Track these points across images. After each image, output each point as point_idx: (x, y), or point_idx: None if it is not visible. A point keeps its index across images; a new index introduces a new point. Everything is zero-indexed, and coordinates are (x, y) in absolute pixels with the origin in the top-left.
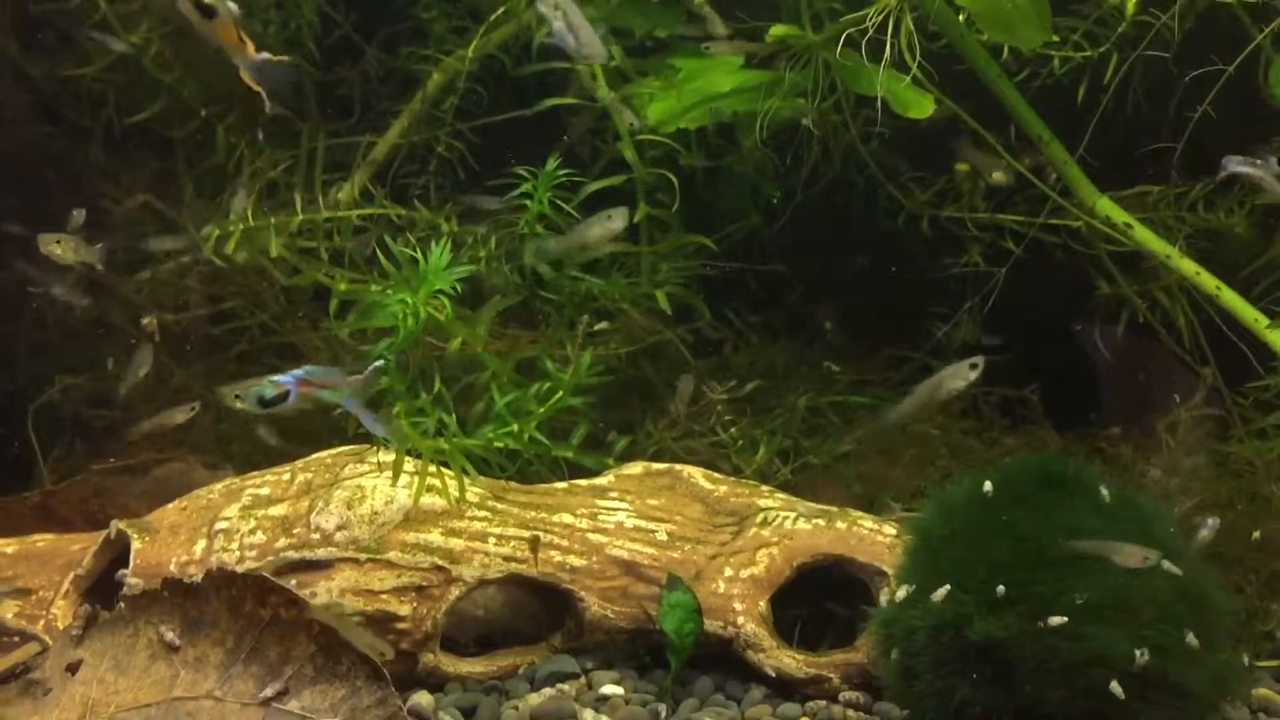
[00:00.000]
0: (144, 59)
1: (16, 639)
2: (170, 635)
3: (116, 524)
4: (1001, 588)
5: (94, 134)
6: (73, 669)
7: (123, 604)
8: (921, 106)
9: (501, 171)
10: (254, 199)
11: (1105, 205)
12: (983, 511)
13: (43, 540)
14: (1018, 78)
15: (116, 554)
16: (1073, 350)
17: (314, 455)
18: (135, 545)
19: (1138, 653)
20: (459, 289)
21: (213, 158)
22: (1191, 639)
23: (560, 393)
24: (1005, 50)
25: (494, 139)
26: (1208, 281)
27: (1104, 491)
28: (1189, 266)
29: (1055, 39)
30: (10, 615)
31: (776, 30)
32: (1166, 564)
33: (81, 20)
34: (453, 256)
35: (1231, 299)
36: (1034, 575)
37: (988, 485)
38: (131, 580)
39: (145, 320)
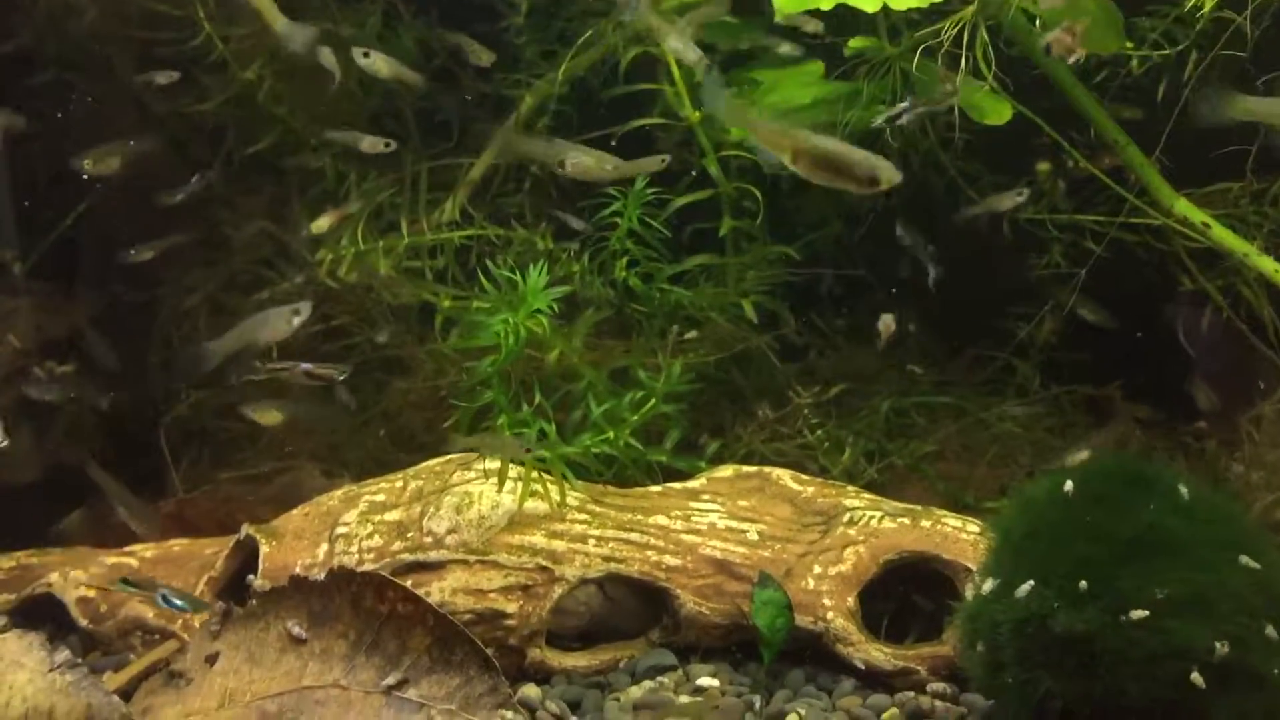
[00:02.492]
0: (258, 94)
1: (158, 636)
2: (297, 629)
3: (246, 529)
4: (1084, 583)
5: (214, 164)
6: (211, 660)
7: (254, 600)
8: (999, 113)
9: (592, 189)
10: (362, 222)
11: (1183, 206)
12: (1064, 510)
13: (178, 545)
14: (1096, 79)
15: (246, 557)
16: (1156, 346)
17: (424, 463)
18: (263, 549)
19: (1218, 644)
20: (554, 307)
21: (322, 184)
22: (1271, 631)
23: (653, 400)
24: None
25: None
26: None
27: (1183, 490)
28: (1268, 264)
29: (1130, 45)
30: (151, 615)
31: (855, 42)
32: (1245, 559)
33: (200, 59)
34: (548, 272)
35: None
36: (1115, 571)
37: (1068, 485)
38: (259, 583)
39: None
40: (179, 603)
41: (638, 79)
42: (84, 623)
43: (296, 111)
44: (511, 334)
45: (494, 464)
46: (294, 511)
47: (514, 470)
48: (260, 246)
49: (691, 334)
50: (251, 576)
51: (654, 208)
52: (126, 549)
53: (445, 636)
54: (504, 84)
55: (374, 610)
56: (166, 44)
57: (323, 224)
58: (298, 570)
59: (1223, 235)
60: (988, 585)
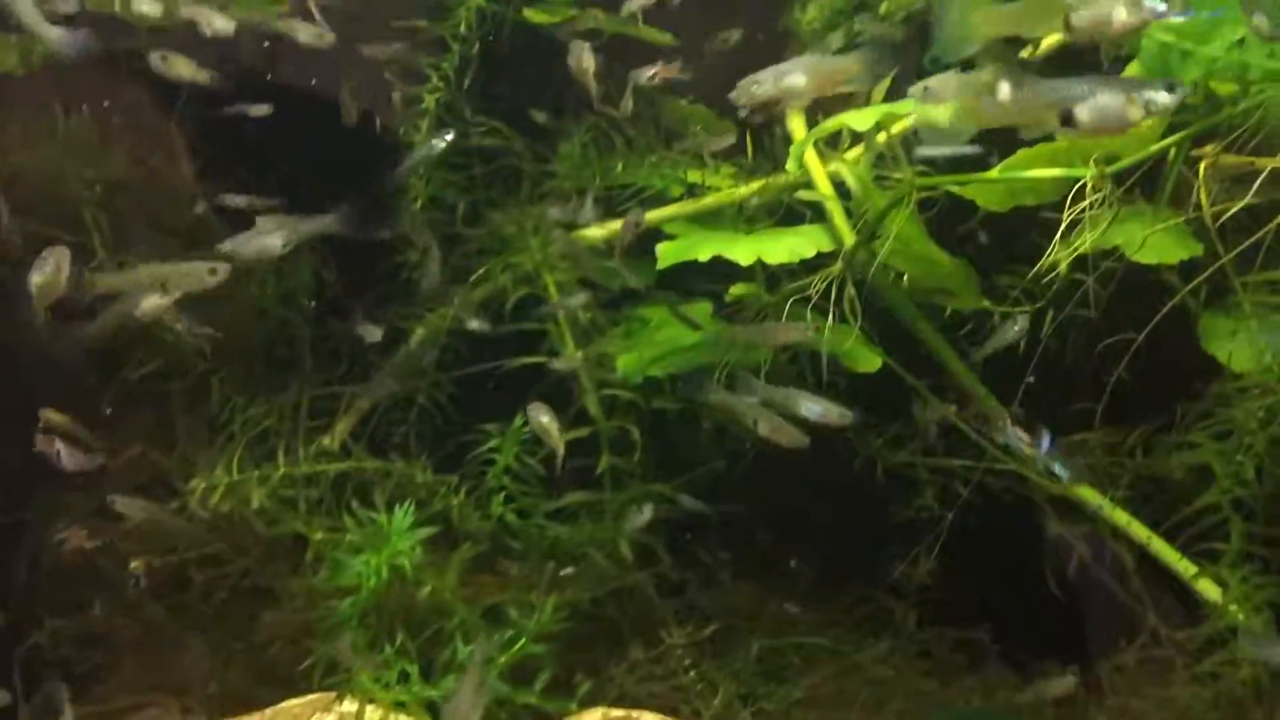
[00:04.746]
0: None
1: None
2: None
3: None
4: None
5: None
6: None
7: None
8: (869, 362)
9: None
10: (240, 450)
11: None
12: None
13: None
14: (963, 330)
15: None
16: (1026, 589)
17: (284, 704)
18: None
19: None
20: (419, 548)
21: (206, 409)
22: None
23: (524, 639)
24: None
25: (472, 390)
26: (1139, 531)
27: None
28: (1121, 517)
29: (986, 304)
30: None
31: (735, 290)
32: None
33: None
34: (427, 505)
35: (1161, 549)
36: None
37: None
38: None
39: (133, 564)
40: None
41: (525, 318)
42: None
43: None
44: (373, 575)
45: (354, 706)
46: None
47: (376, 712)
48: (137, 471)
49: (568, 571)
50: None
51: (533, 444)
52: None
53: None
54: (397, 317)
55: None
56: None
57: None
58: None
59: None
60: None
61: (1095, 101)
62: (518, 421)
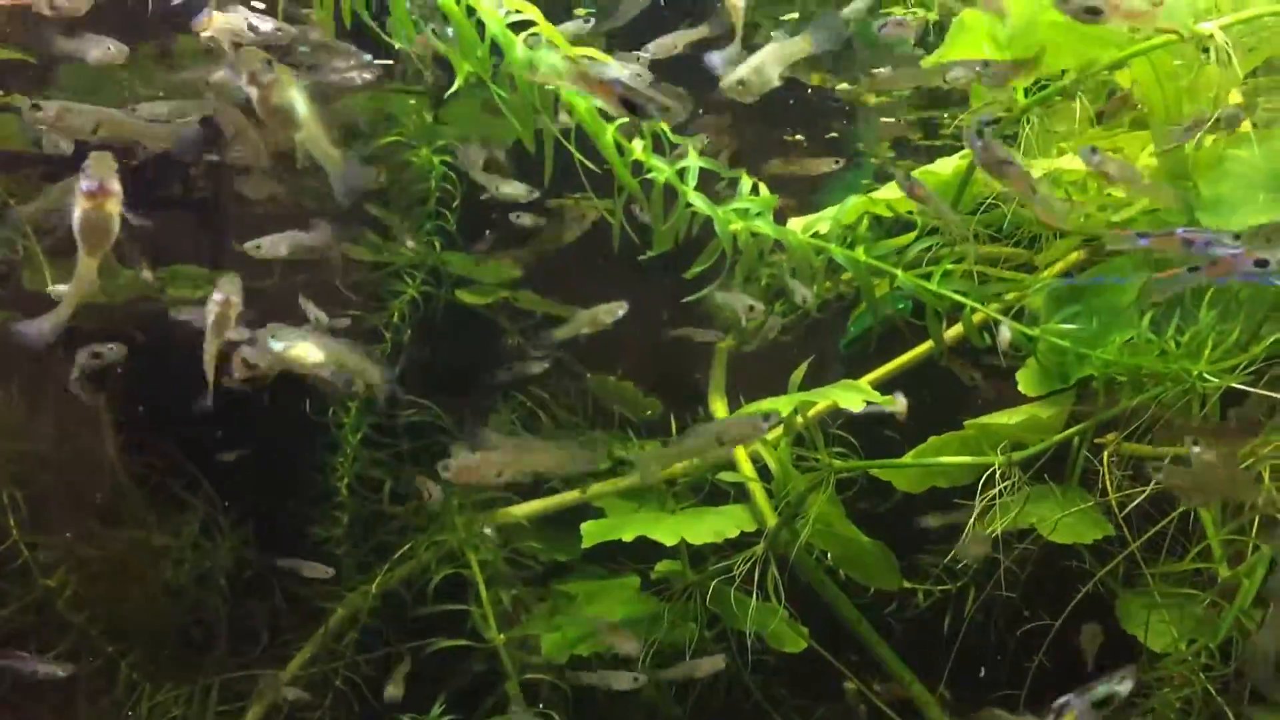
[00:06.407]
0: (57, 600)
1: None
2: None
3: None
4: None
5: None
6: None
7: None
8: (794, 642)
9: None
10: None
11: None
12: None
13: None
14: (887, 610)
15: None
16: None
17: None
18: None
19: None
20: None
21: (113, 694)
22: None
23: None
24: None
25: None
26: None
27: None
28: None
29: (905, 584)
30: None
31: (662, 567)
32: None
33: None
34: None
35: None
36: None
37: None
38: None
39: None
40: None
41: (447, 596)
42: None
43: (96, 619)
44: None
45: None
46: None
47: None
48: None
49: None
50: None
51: None
52: None
53: None
54: (319, 595)
55: None
56: None
57: None
58: None
59: None
60: None
61: None
62: (435, 711)
